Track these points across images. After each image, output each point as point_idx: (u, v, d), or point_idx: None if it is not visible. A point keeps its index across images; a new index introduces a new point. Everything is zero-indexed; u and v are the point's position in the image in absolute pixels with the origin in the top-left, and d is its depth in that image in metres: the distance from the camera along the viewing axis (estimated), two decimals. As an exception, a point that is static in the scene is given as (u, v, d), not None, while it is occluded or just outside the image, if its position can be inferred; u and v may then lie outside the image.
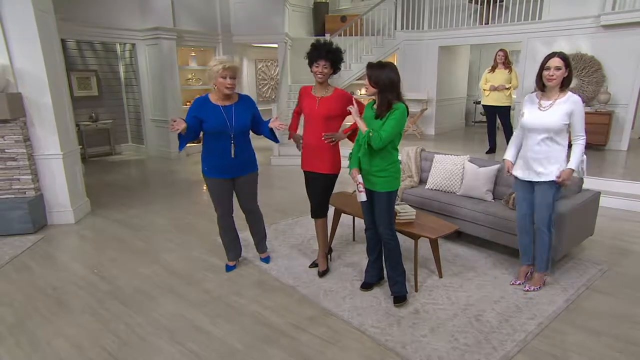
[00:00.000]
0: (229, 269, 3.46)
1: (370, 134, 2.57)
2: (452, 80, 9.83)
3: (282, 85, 8.17)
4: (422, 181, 4.38)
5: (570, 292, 3.02)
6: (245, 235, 3.69)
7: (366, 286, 3.09)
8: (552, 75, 2.69)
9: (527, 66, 7.64)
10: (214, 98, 3.04)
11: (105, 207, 5.13)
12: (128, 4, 7.49)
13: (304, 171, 3.21)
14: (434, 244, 3.18)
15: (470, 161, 3.99)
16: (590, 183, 4.45)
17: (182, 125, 2.80)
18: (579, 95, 2.77)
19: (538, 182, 2.86)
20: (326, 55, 2.90)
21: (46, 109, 4.27)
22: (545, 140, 2.77)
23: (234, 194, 3.28)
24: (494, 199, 3.82)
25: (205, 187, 5.49)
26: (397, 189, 2.79)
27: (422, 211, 3.67)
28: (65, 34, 6.55)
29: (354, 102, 2.92)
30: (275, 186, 6.13)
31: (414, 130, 8.66)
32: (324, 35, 8.98)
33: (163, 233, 4.31)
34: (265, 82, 10.60)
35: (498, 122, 6.81)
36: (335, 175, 3.16)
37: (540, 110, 2.78)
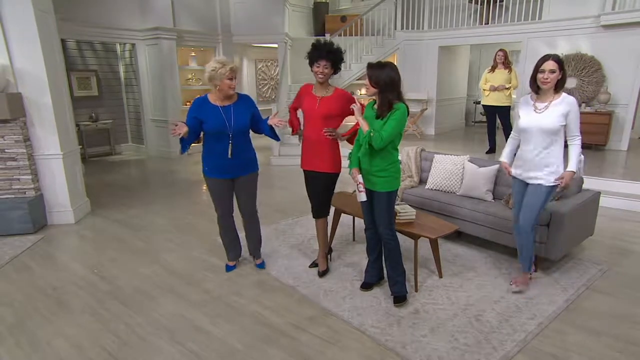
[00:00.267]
0: (229, 269, 3.46)
1: (372, 134, 2.57)
2: (452, 80, 9.84)
3: (282, 85, 8.16)
4: (422, 181, 4.37)
5: (570, 292, 3.02)
6: (245, 235, 3.68)
7: (366, 286, 3.09)
8: (547, 79, 2.69)
9: (527, 66, 7.62)
10: (212, 98, 3.04)
11: (105, 207, 5.13)
12: (128, 4, 7.49)
13: (304, 170, 3.21)
14: (434, 244, 3.18)
15: (470, 161, 3.99)
16: (590, 183, 4.45)
17: (184, 129, 2.80)
18: (573, 96, 2.76)
19: (532, 183, 2.86)
20: (327, 56, 2.90)
21: (46, 109, 4.27)
22: (542, 142, 2.77)
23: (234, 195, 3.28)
24: (494, 199, 3.82)
25: (205, 187, 5.51)
26: (397, 189, 2.79)
27: (422, 211, 3.67)
28: (65, 34, 6.55)
29: (356, 101, 2.92)
30: (276, 186, 6.12)
31: (414, 130, 8.66)
32: (324, 35, 8.98)
33: (163, 233, 4.31)
34: (265, 82, 10.61)
35: (498, 122, 6.81)
36: (336, 175, 3.15)
37: (536, 112, 2.78)
